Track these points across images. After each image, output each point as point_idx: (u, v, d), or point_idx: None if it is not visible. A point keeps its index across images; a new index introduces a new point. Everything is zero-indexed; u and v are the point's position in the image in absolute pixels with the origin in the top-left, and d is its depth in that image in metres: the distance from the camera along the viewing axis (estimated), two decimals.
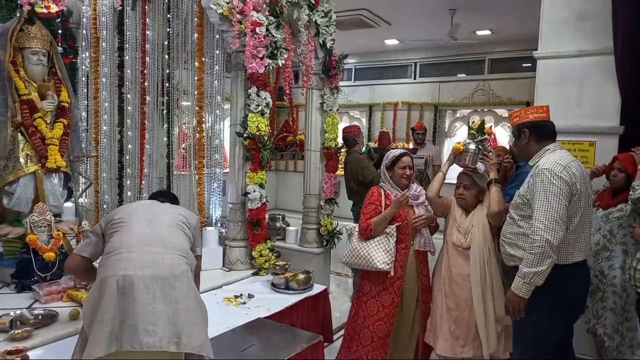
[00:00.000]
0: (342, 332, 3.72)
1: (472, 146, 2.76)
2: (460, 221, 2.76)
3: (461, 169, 2.88)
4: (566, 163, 2.27)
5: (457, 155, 2.81)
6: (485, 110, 7.88)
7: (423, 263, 2.89)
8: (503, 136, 7.69)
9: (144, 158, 3.99)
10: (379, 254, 2.73)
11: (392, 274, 2.75)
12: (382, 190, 2.89)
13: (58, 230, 2.95)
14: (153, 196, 2.37)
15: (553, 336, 2.40)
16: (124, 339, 1.62)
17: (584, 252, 2.37)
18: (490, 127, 7.62)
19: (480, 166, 2.77)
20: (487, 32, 6.90)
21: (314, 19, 3.86)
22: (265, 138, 3.41)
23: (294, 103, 7.13)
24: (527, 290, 2.20)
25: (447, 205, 2.88)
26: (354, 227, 2.88)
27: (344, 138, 4.62)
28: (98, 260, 1.94)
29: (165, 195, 2.37)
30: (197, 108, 3.85)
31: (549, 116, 2.50)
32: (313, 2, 3.81)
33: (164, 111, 4.09)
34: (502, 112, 7.72)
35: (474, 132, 2.83)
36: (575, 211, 2.27)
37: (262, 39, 3.22)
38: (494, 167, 2.76)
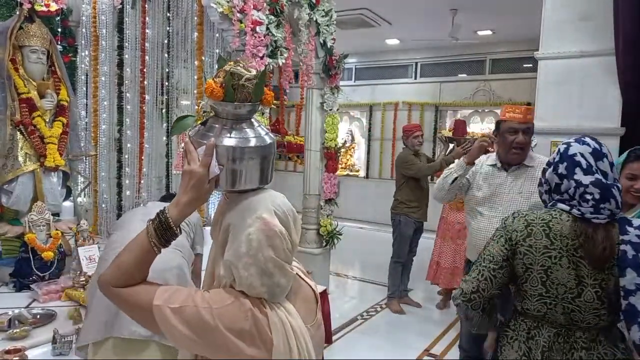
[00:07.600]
0: (341, 333, 3.72)
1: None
2: None
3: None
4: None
5: None
6: (487, 110, 7.87)
7: None
8: None
9: (143, 157, 3.97)
10: None
11: None
12: None
13: (57, 230, 2.95)
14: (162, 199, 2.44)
15: None
16: (115, 327, 1.66)
17: None
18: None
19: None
20: (489, 32, 6.88)
21: (314, 18, 3.84)
22: None
23: (290, 103, 7.03)
24: None
25: None
26: None
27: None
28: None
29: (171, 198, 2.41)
30: (196, 107, 3.84)
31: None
32: (314, 1, 3.80)
33: (164, 110, 4.08)
34: None
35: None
36: None
37: (263, 38, 3.21)
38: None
